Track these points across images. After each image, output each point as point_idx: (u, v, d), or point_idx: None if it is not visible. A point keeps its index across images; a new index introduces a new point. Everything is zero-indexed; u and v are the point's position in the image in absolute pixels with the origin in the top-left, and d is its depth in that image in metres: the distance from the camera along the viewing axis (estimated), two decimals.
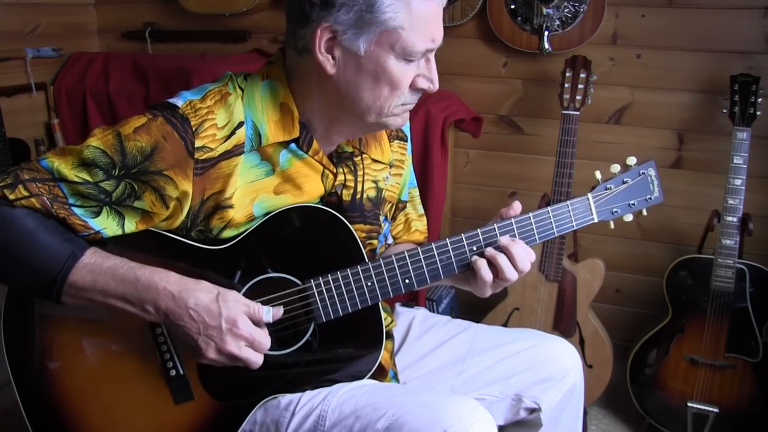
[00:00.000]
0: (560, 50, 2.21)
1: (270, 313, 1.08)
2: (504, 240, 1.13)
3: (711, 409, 2.00)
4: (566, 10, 2.17)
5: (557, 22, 2.19)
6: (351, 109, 1.11)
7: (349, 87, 1.08)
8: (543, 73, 2.32)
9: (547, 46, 2.20)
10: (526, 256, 1.13)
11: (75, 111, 2.64)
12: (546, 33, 2.19)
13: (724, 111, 1.95)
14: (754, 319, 1.93)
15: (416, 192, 1.45)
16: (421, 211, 1.46)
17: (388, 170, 1.30)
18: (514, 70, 2.37)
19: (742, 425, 2.00)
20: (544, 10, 2.17)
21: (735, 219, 1.89)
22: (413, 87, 1.10)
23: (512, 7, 2.24)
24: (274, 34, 2.65)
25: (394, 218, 1.40)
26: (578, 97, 2.04)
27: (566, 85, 2.06)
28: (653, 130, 2.25)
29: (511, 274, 1.13)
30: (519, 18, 2.24)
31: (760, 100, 1.90)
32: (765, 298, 1.92)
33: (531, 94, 2.37)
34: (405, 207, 1.42)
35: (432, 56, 1.10)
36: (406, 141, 1.36)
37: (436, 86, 1.11)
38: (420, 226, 1.44)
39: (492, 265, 1.13)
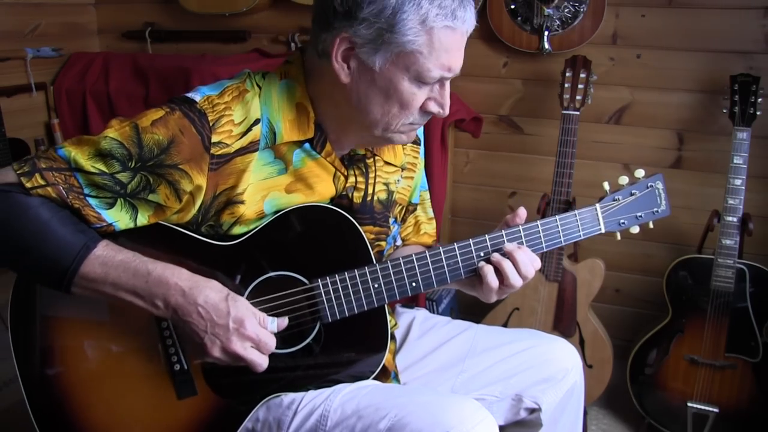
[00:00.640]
0: (560, 50, 2.21)
1: (275, 323, 1.09)
2: (509, 246, 1.14)
3: (711, 409, 2.00)
4: (566, 10, 2.17)
5: (557, 22, 2.19)
6: (359, 120, 1.12)
7: (360, 98, 1.09)
8: (543, 73, 2.32)
9: (547, 46, 2.20)
10: (530, 262, 1.14)
11: (75, 111, 2.63)
12: (546, 33, 2.19)
13: (724, 111, 1.96)
14: (754, 319, 1.93)
15: (427, 195, 1.45)
16: (431, 214, 1.46)
17: (400, 173, 1.30)
18: (514, 70, 2.37)
19: (742, 425, 2.00)
20: (545, 10, 2.17)
21: (735, 219, 1.89)
22: (423, 109, 1.10)
23: (512, 7, 2.24)
24: (274, 34, 2.65)
25: (404, 220, 1.41)
26: (578, 97, 2.04)
27: (566, 85, 2.06)
28: (653, 130, 2.26)
29: (516, 280, 1.13)
30: (519, 18, 2.24)
31: (760, 100, 1.90)
32: (765, 298, 1.92)
33: (531, 94, 2.37)
34: (415, 209, 1.42)
35: (447, 82, 1.10)
36: (419, 144, 1.36)
37: (447, 112, 1.12)
38: (429, 229, 1.45)
39: (498, 271, 1.13)
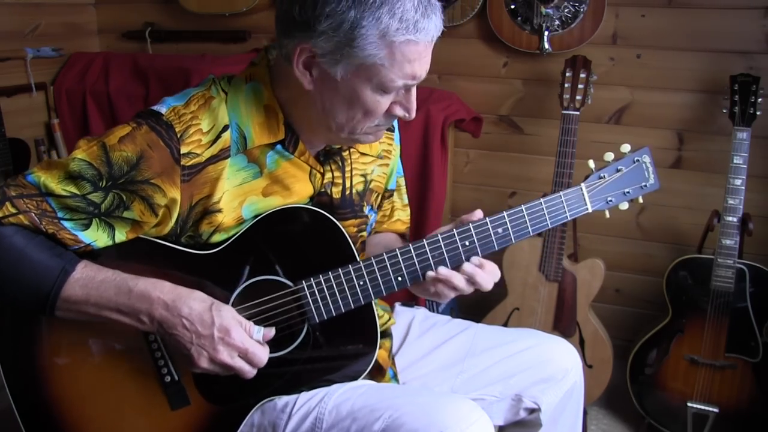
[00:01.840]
0: (560, 50, 2.21)
1: (260, 333, 1.08)
2: (468, 268, 1.12)
3: (711, 409, 2.00)
4: (566, 10, 2.17)
5: (557, 22, 2.19)
6: (326, 124, 1.11)
7: (324, 104, 1.08)
8: (543, 73, 2.32)
9: (547, 46, 2.20)
10: (491, 279, 1.14)
11: (75, 111, 2.64)
12: (546, 33, 2.19)
13: (724, 111, 1.95)
14: (754, 319, 1.93)
15: (403, 181, 1.44)
16: (406, 201, 1.45)
17: (376, 162, 1.30)
18: (514, 70, 2.37)
19: (742, 425, 2.00)
20: (544, 10, 2.17)
21: (735, 219, 1.89)
22: (389, 113, 1.09)
23: (512, 7, 2.23)
24: (273, 34, 2.64)
25: (380, 207, 1.40)
26: (578, 97, 2.04)
27: (566, 85, 2.05)
28: (653, 130, 2.25)
29: (469, 289, 1.14)
30: (519, 18, 2.24)
31: (760, 100, 1.90)
32: (765, 298, 1.92)
33: (531, 94, 2.37)
34: (392, 195, 1.41)
35: (413, 88, 1.08)
36: (393, 131, 1.35)
37: (413, 116, 1.11)
38: (403, 216, 1.44)
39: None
